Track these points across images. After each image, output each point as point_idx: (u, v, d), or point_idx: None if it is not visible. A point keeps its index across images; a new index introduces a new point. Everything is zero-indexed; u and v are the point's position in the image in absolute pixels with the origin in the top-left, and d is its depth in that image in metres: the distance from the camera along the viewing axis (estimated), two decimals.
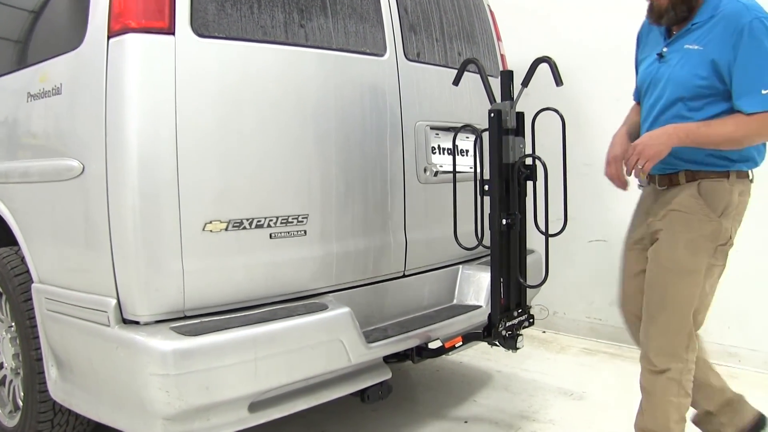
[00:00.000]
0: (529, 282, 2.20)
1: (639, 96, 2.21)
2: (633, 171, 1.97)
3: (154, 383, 1.79)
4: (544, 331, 4.22)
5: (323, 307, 2.09)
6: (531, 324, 2.27)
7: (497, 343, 2.17)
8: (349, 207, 2.29)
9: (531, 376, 3.46)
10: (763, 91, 1.84)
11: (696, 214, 1.99)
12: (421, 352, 2.46)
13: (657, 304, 2.04)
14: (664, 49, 2.04)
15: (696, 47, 1.94)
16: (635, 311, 2.18)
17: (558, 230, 2.10)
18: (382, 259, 2.42)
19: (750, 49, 1.85)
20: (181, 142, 1.88)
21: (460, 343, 2.33)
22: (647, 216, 2.14)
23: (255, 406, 1.98)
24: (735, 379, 3.41)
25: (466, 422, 2.92)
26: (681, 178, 2.03)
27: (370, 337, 2.25)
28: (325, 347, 2.05)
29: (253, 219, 2.02)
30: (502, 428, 2.85)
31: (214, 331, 1.85)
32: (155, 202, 1.87)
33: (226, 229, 1.97)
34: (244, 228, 2.01)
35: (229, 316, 1.97)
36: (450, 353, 2.42)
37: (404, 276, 2.54)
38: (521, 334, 2.19)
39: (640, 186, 2.19)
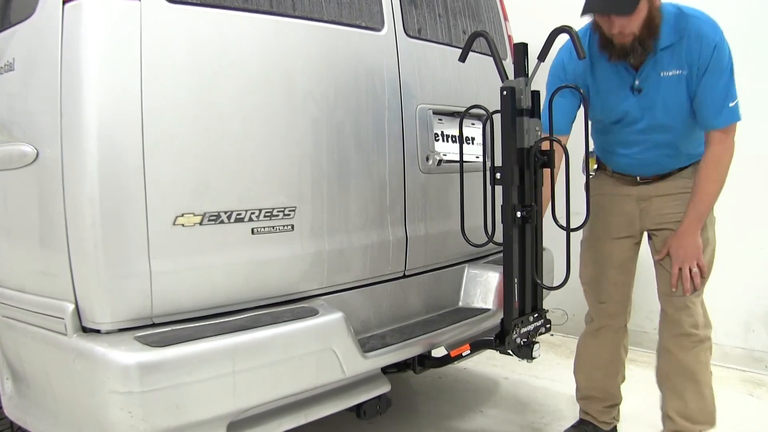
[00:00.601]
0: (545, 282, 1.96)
1: (566, 128, 2.19)
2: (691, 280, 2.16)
3: (115, 402, 1.54)
4: (552, 334, 3.97)
5: (313, 313, 1.85)
6: (548, 330, 2.03)
7: (510, 352, 1.93)
8: (342, 199, 2.05)
9: (541, 383, 3.23)
10: (731, 104, 2.01)
11: None
12: (423, 361, 2.23)
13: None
14: (637, 82, 2.11)
15: (676, 72, 2.05)
16: (620, 298, 2.39)
17: (579, 224, 1.87)
18: (380, 257, 2.18)
19: (718, 70, 1.99)
20: (148, 124, 1.64)
21: (468, 351, 2.09)
22: (639, 204, 2.29)
23: (235, 427, 1.73)
24: (761, 387, 3.18)
25: None
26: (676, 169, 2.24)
27: (367, 345, 2.02)
28: (315, 358, 1.80)
29: (232, 212, 1.78)
30: None
31: (186, 341, 1.61)
32: (118, 193, 1.62)
33: (201, 223, 1.73)
34: (222, 222, 1.77)
35: (204, 323, 1.73)
36: (456, 362, 2.18)
37: (404, 276, 2.29)
38: (537, 342, 1.95)
39: (590, 175, 2.29)
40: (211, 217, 1.75)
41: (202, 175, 1.73)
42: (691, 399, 2.25)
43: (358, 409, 2.05)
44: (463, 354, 2.11)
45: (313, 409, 1.90)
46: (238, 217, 1.79)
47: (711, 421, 2.29)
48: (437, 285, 2.44)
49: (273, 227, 1.87)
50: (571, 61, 2.15)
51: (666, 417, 2.33)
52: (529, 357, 1.92)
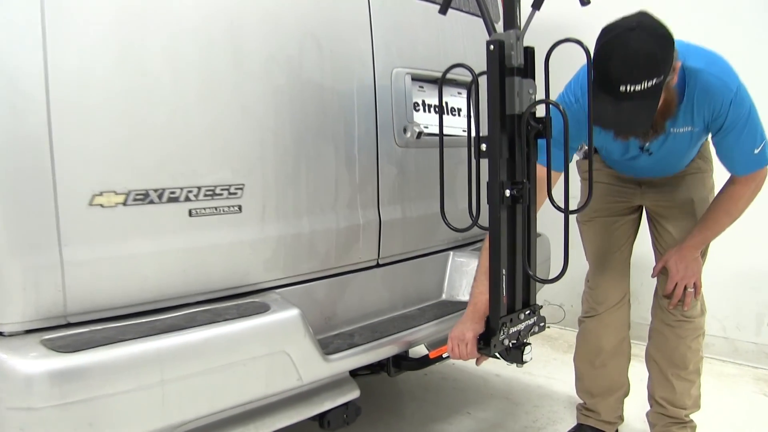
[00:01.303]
0: (538, 274, 1.68)
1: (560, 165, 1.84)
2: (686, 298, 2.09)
3: (14, 421, 1.28)
4: (548, 326, 3.70)
5: (263, 309, 1.58)
6: (542, 329, 1.76)
7: (498, 355, 1.66)
8: (302, 176, 1.77)
9: (535, 381, 2.97)
10: (756, 151, 1.86)
11: (707, 171, 2.15)
12: (399, 363, 1.97)
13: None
14: (647, 145, 1.98)
15: (687, 129, 1.91)
16: (623, 277, 2.27)
17: (580, 205, 1.60)
18: (349, 243, 1.90)
19: (738, 123, 1.83)
20: (55, 80, 1.35)
21: (447, 353, 1.81)
22: (640, 186, 2.19)
23: None
24: None
25: None
26: None
27: (331, 346, 1.75)
28: (264, 363, 1.54)
29: (164, 190, 1.50)
30: None
31: (103, 345, 1.34)
32: (17, 166, 1.34)
33: (125, 204, 1.45)
34: (152, 202, 1.49)
35: (128, 323, 1.46)
36: (437, 363, 1.91)
37: (378, 266, 2.02)
38: (529, 343, 1.67)
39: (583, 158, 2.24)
40: (138, 196, 1.46)
41: (125, 145, 1.45)
42: (678, 384, 2.19)
43: (321, 419, 1.78)
44: (444, 355, 1.84)
45: (266, 420, 1.64)
46: (171, 196, 1.51)
47: (697, 405, 2.27)
48: (417, 275, 2.17)
49: (216, 208, 1.59)
50: (580, 98, 1.89)
51: (652, 400, 2.27)
52: (520, 361, 1.65)
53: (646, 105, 1.61)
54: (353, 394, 1.81)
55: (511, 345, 1.64)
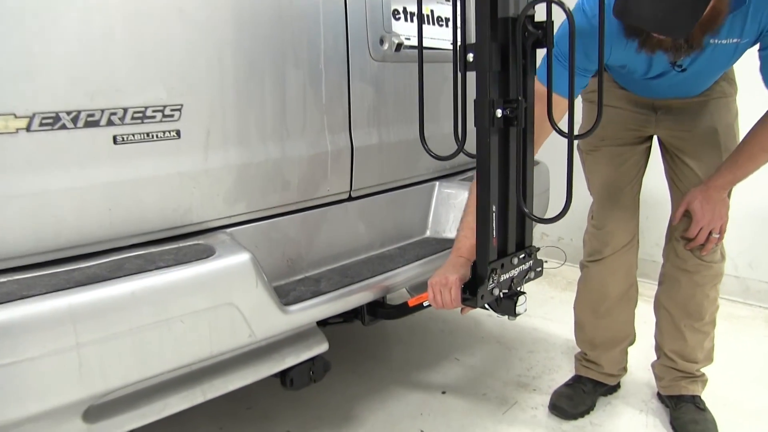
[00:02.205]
0: (535, 212, 1.45)
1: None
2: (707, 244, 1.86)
3: None
4: (545, 261, 3.52)
5: (206, 254, 1.35)
6: (538, 275, 1.54)
7: (487, 306, 1.45)
8: (256, 94, 1.51)
9: (531, 322, 2.78)
10: None
11: (731, 95, 1.91)
12: (375, 310, 1.76)
13: None
14: (679, 62, 1.68)
15: (732, 41, 1.61)
16: (632, 214, 2.05)
17: (586, 129, 1.35)
18: (315, 174, 1.66)
19: None
20: None
21: (427, 301, 1.60)
22: (655, 111, 1.92)
23: (96, 413, 1.27)
24: None
25: (443, 393, 2.25)
26: None
27: (292, 294, 1.53)
28: (206, 319, 1.32)
29: (79, 112, 1.24)
30: (491, 403, 2.18)
31: (3, 303, 1.11)
32: None
33: (29, 129, 1.20)
34: (65, 127, 1.23)
35: (39, 273, 1.23)
36: (416, 312, 1.71)
37: (350, 199, 1.78)
38: (523, 292, 1.46)
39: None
40: (46, 120, 1.21)
41: (24, 54, 1.18)
42: (691, 337, 2.01)
43: (282, 378, 1.58)
44: (425, 304, 1.63)
45: (215, 382, 1.44)
46: (90, 119, 1.26)
47: (709, 358, 2.09)
48: (396, 210, 1.94)
49: (147, 134, 1.34)
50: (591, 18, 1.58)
51: (660, 351, 2.09)
52: (512, 313, 1.44)
53: (692, 4, 1.33)
54: (321, 347, 1.61)
55: (502, 295, 1.42)
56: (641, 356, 2.27)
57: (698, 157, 1.87)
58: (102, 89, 1.27)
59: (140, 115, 1.32)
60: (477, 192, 1.36)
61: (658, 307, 2.06)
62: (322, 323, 1.75)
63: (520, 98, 1.33)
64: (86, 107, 1.25)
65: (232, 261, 1.35)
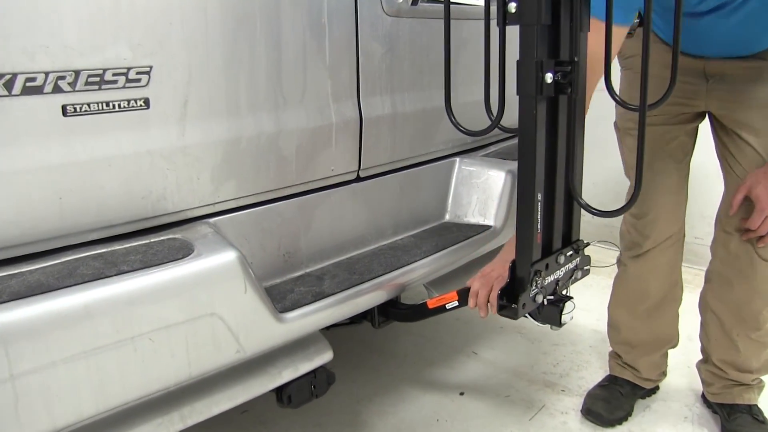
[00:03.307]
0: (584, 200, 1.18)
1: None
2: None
3: None
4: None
5: (182, 252, 1.10)
6: (585, 274, 1.29)
7: (529, 315, 1.20)
8: (245, 55, 1.23)
9: None
10: None
11: None
12: (387, 311, 1.51)
13: None
14: None
15: None
16: (676, 205, 1.77)
17: (657, 98, 1.08)
18: (317, 150, 1.40)
19: None
20: None
21: (455, 302, 1.36)
22: (706, 79, 1.60)
23: None
24: None
25: (461, 394, 2.01)
26: None
27: (289, 297, 1.28)
28: (183, 335, 1.07)
29: (14, 75, 0.98)
30: (515, 406, 1.94)
31: None
32: None
33: None
34: None
35: None
36: (437, 315, 1.45)
37: (358, 179, 1.52)
38: (570, 297, 1.21)
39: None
40: None
41: None
42: (746, 347, 1.74)
43: (279, 393, 1.34)
44: (448, 306, 1.38)
45: (197, 405, 1.19)
46: (30, 85, 0.99)
47: (767, 368, 1.82)
48: (411, 191, 1.68)
49: (107, 104, 1.07)
50: None
51: (708, 357, 1.83)
52: (557, 323, 1.19)
53: None
54: (323, 357, 1.37)
55: (545, 301, 1.17)
56: (682, 353, 2.04)
57: (760, 134, 1.59)
58: (46, 45, 1.00)
59: (97, 79, 1.05)
60: (518, 177, 1.10)
61: (705, 308, 1.79)
62: (326, 327, 1.51)
63: (575, 59, 1.05)
64: (25, 69, 0.98)
65: (214, 262, 1.10)
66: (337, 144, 1.42)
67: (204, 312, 1.08)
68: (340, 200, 1.49)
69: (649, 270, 1.79)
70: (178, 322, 1.05)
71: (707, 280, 1.78)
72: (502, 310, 1.16)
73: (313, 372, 1.36)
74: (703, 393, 1.92)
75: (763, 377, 1.81)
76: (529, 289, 1.12)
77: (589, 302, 2.44)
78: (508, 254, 1.29)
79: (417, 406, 1.94)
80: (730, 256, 1.66)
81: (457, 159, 1.80)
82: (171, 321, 1.05)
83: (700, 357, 1.88)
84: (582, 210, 1.25)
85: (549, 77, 1.03)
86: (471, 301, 1.30)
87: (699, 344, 1.86)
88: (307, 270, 1.42)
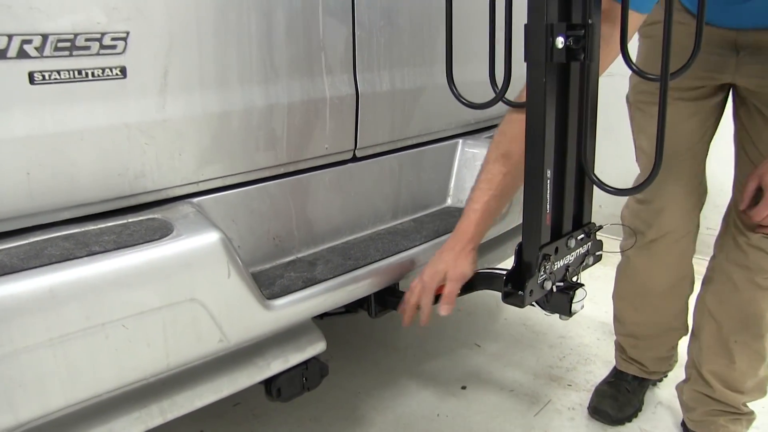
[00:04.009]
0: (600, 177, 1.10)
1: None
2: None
3: None
4: None
5: (160, 232, 1.02)
6: (597, 260, 1.21)
7: (536, 304, 1.12)
8: (231, 22, 1.15)
9: None
10: None
11: None
12: (385, 299, 1.43)
13: None
14: None
15: None
16: (691, 189, 1.63)
17: (681, 65, 1.00)
18: (309, 127, 1.32)
19: None
20: None
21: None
22: (737, 50, 1.46)
23: None
24: None
25: (463, 388, 1.94)
26: None
27: (279, 282, 1.21)
28: (159, 322, 0.99)
29: None
30: (520, 401, 1.87)
31: None
32: None
33: None
34: None
35: None
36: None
37: (354, 159, 1.44)
38: (581, 284, 1.12)
39: None
40: None
41: None
42: (742, 358, 1.59)
43: (267, 386, 1.27)
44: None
45: (177, 398, 1.12)
46: None
47: (762, 390, 1.65)
48: (411, 173, 1.59)
49: (79, 72, 0.99)
50: None
51: (694, 371, 1.66)
52: (566, 312, 1.11)
53: None
54: (316, 347, 1.29)
55: (554, 288, 1.09)
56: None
57: None
58: (8, 5, 0.92)
59: (67, 44, 0.97)
60: (525, 152, 1.02)
61: (701, 312, 1.64)
62: (319, 316, 1.43)
63: (589, 22, 0.97)
64: None
65: (194, 243, 1.02)
66: (332, 121, 1.34)
67: (183, 297, 1.00)
68: (336, 181, 1.41)
69: (655, 263, 1.68)
70: (155, 308, 0.98)
71: (707, 280, 1.64)
72: (507, 297, 1.08)
73: (305, 363, 1.29)
74: (683, 421, 1.75)
75: (753, 407, 1.67)
76: (537, 274, 1.04)
77: (597, 293, 2.35)
78: (456, 242, 1.24)
79: (417, 400, 1.87)
80: (737, 252, 1.53)
81: (460, 140, 1.72)
82: (146, 307, 0.97)
83: (684, 379, 1.73)
84: (592, 195, 1.18)
85: (560, 42, 0.95)
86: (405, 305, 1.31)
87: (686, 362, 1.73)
88: (299, 255, 1.34)
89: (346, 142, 1.40)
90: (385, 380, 1.96)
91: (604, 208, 2.44)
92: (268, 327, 1.14)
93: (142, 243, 0.98)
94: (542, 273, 1.05)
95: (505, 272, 1.09)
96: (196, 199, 1.17)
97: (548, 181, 1.01)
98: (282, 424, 1.77)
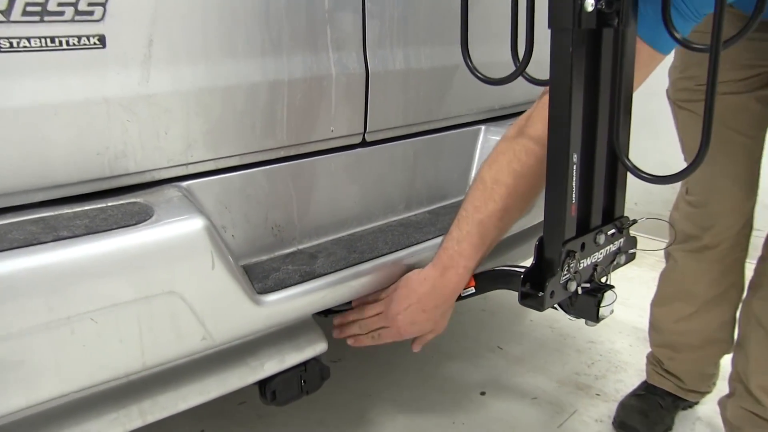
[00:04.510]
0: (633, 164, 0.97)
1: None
2: None
3: None
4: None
5: (137, 217, 0.92)
6: (630, 258, 1.09)
7: (557, 307, 1.00)
8: None
9: None
10: None
11: None
12: None
13: None
14: None
15: None
16: (746, 193, 1.50)
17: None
18: (313, 107, 1.21)
19: None
20: None
21: (472, 289, 1.17)
22: None
23: None
24: None
25: (482, 394, 1.82)
26: None
27: (275, 276, 1.11)
28: (133, 316, 0.90)
29: None
30: (543, 410, 1.75)
31: None
32: None
33: None
34: None
35: None
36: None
37: (364, 143, 1.33)
38: (612, 286, 1.00)
39: None
40: None
41: None
42: None
43: (262, 388, 1.17)
44: (463, 294, 1.19)
45: (160, 399, 1.03)
46: None
47: None
48: (428, 161, 1.48)
49: (51, 39, 0.90)
50: None
51: (739, 385, 1.47)
52: (593, 317, 0.99)
53: None
54: (315, 347, 1.19)
55: (580, 290, 0.97)
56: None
57: None
58: None
59: (38, 9, 0.88)
60: (549, 133, 0.90)
61: (748, 319, 1.47)
62: (323, 313, 1.33)
63: None
64: None
65: (174, 230, 0.92)
66: (338, 102, 1.23)
67: (160, 290, 0.91)
68: (343, 167, 1.30)
69: (705, 269, 1.55)
70: (127, 300, 0.88)
71: (755, 285, 1.47)
72: (525, 299, 0.96)
73: (303, 365, 1.19)
74: None
75: None
76: (560, 273, 0.92)
77: (630, 296, 2.23)
78: (443, 299, 1.18)
79: (432, 405, 1.76)
80: None
81: (483, 127, 1.60)
82: (118, 299, 0.88)
83: (727, 393, 1.55)
84: (626, 185, 1.06)
85: (590, 4, 0.83)
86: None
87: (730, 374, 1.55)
88: (301, 246, 1.24)
89: (355, 125, 1.29)
90: (398, 382, 1.86)
91: (640, 205, 2.31)
92: (259, 324, 1.05)
93: (115, 228, 0.89)
94: (566, 272, 0.93)
95: (521, 275, 0.98)
96: (185, 183, 1.08)
97: (574, 167, 0.89)
98: (285, 425, 1.68)
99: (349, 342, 1.30)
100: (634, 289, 2.15)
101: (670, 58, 1.48)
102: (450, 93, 1.47)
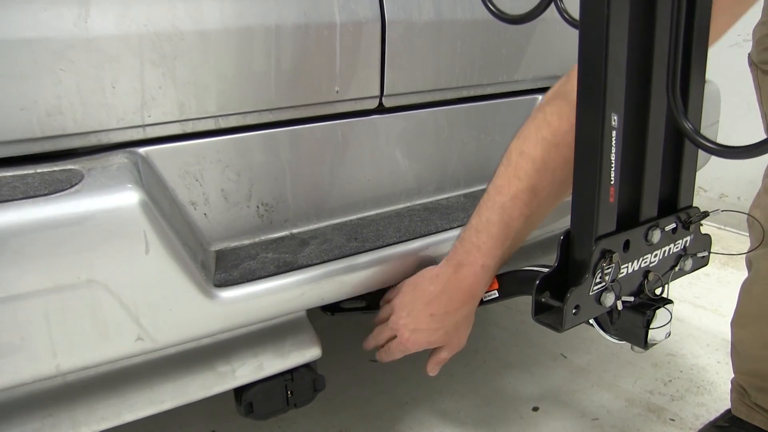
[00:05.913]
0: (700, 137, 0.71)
1: None
2: None
3: None
4: (700, 225, 2.67)
5: (56, 187, 0.75)
6: (701, 263, 0.82)
7: (595, 324, 0.76)
8: None
9: (674, 309, 2.00)
10: None
11: None
12: None
13: None
14: None
15: None
16: None
17: None
18: (311, 62, 1.00)
19: None
20: None
21: (495, 293, 0.93)
22: None
23: None
24: None
25: (535, 409, 1.57)
26: None
27: (247, 264, 0.91)
28: (39, 308, 0.72)
29: None
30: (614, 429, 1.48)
31: None
32: None
33: None
34: None
35: None
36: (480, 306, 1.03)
37: (381, 110, 1.11)
38: (670, 301, 0.75)
39: None
40: None
41: None
42: None
43: (238, 398, 0.98)
44: (485, 298, 0.95)
45: (98, 408, 0.85)
46: None
47: None
48: (467, 133, 1.24)
49: None
50: None
51: None
52: (640, 343, 0.74)
53: None
54: (305, 354, 0.99)
55: (621, 305, 0.72)
56: None
57: None
58: None
59: None
60: (578, 89, 0.65)
61: None
62: (330, 311, 1.13)
63: None
64: None
65: (95, 204, 0.74)
66: (344, 56, 1.02)
67: (75, 278, 0.73)
68: (353, 137, 1.08)
69: None
70: (30, 290, 0.71)
71: None
72: (539, 313, 0.72)
73: (290, 373, 0.99)
74: None
75: None
76: (590, 280, 0.68)
77: (723, 303, 1.91)
78: (461, 302, 0.95)
79: (474, 419, 1.53)
80: None
81: (540, 97, 1.34)
82: (17, 288, 0.70)
83: None
84: (696, 164, 0.79)
85: None
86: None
87: None
88: (294, 231, 1.04)
89: (369, 86, 1.07)
90: (441, 390, 1.63)
91: (710, 191, 1.98)
92: (216, 324, 0.85)
93: (18, 199, 0.71)
94: (599, 280, 0.68)
95: (539, 279, 0.73)
96: (142, 149, 0.90)
97: (613, 133, 0.64)
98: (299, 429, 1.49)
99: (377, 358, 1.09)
100: (728, 294, 1.82)
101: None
102: (497, 53, 1.22)
